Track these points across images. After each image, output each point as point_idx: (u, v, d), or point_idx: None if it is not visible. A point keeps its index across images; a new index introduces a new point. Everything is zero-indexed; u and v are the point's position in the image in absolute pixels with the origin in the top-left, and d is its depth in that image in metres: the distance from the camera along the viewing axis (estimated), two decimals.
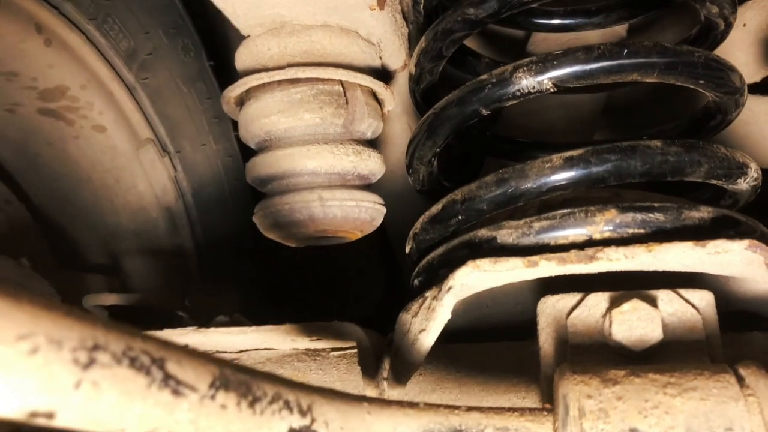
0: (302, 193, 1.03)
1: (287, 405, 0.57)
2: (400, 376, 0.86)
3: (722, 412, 0.62)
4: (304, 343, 0.91)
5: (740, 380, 0.64)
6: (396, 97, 1.20)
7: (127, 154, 1.59)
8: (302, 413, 0.59)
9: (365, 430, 0.64)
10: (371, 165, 1.08)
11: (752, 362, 0.66)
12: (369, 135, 1.10)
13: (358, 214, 1.05)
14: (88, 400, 0.43)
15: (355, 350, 0.90)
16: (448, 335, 0.95)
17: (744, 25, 1.68)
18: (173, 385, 0.47)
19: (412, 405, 0.69)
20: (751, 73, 1.60)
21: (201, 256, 1.70)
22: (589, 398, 0.65)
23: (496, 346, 0.97)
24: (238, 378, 0.53)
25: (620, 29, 1.42)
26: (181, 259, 1.69)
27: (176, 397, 0.48)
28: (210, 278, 1.69)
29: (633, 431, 0.62)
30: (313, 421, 0.59)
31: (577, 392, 0.65)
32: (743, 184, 0.88)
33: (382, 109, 1.14)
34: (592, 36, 1.42)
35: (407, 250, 0.99)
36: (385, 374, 0.89)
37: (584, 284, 0.82)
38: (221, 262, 1.72)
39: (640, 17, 1.29)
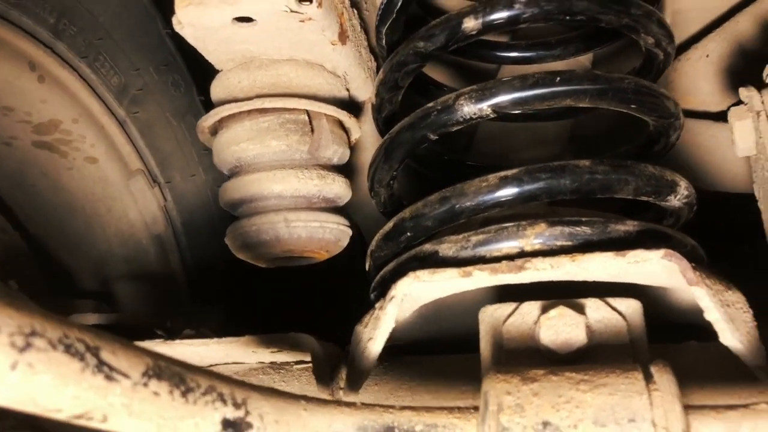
0: (269, 215, 1.09)
1: (221, 397, 0.63)
2: (353, 384, 0.92)
3: (627, 405, 0.67)
4: (265, 354, 0.96)
5: (648, 377, 0.69)
6: (369, 127, 1.27)
7: (118, 185, 1.67)
8: (236, 406, 0.64)
9: (301, 426, 0.70)
10: (336, 189, 1.14)
11: (662, 362, 0.71)
12: (335, 161, 1.17)
13: (323, 234, 1.11)
14: (24, 381, 0.49)
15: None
16: (409, 347, 1.01)
17: (707, 56, 1.75)
18: (106, 371, 0.53)
19: (348, 404, 0.74)
20: (716, 102, 1.67)
21: (190, 281, 1.76)
22: (508, 394, 0.70)
23: (452, 357, 1.02)
24: (171, 369, 0.59)
25: (584, 59, 1.50)
26: (171, 283, 1.76)
27: (109, 382, 0.54)
28: (199, 301, 1.75)
29: (545, 424, 0.67)
30: (247, 413, 0.65)
31: (498, 389, 0.71)
32: (675, 201, 0.94)
33: (348, 137, 1.21)
34: (559, 66, 1.49)
35: (366, 267, 1.05)
36: (341, 383, 0.94)
37: (538, 295, 0.87)
38: (210, 286, 1.78)
39: (595, 49, 1.37)
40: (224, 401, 0.63)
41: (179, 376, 0.59)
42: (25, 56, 1.40)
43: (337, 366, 0.96)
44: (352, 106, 1.25)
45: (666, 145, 1.09)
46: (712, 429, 0.67)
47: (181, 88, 1.74)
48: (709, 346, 0.91)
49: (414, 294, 0.86)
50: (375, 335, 0.87)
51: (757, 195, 1.19)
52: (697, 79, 1.77)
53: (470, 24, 0.96)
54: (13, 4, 1.32)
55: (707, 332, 0.91)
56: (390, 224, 0.97)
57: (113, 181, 1.67)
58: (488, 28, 0.96)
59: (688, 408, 0.68)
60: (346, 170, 1.28)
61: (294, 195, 1.10)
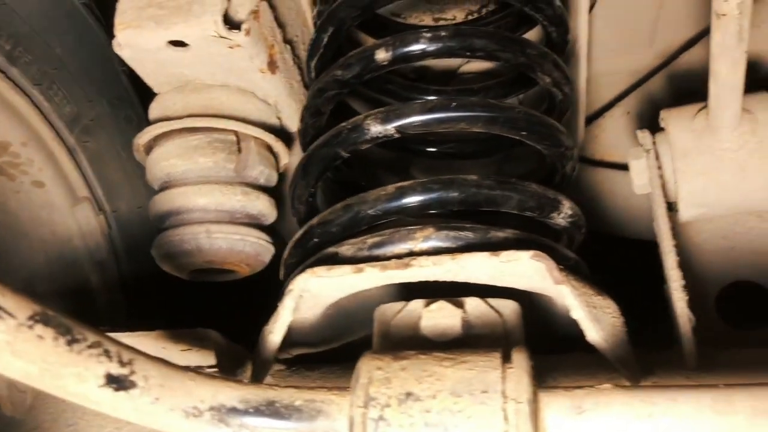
0: (193, 226, 1.17)
1: (107, 353, 0.69)
2: (257, 377, 0.97)
3: (482, 378, 0.73)
4: (174, 353, 1.01)
5: (506, 358, 0.76)
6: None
7: (63, 210, 1.72)
8: (122, 364, 0.70)
9: (185, 393, 0.75)
10: (260, 206, 1.22)
11: (522, 347, 0.79)
12: (261, 181, 1.25)
13: (243, 247, 1.18)
14: None
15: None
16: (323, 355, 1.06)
17: (628, 112, 1.90)
18: None
19: (235, 380, 0.80)
20: None
21: (131, 309, 1.80)
22: (378, 369, 0.76)
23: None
24: (59, 320, 0.65)
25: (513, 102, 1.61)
26: (111, 312, 1.79)
27: None
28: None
29: (408, 394, 0.73)
30: (132, 372, 0.71)
31: (370, 365, 0.77)
32: (559, 219, 1.03)
33: (277, 162, 1.30)
34: None
35: (281, 275, 1.12)
36: (245, 379, 1.00)
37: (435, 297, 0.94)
38: (150, 313, 1.82)
39: (513, 95, 1.48)
40: (110, 357, 0.69)
41: (66, 327, 0.65)
42: None
43: (243, 363, 1.02)
44: (284, 135, 1.34)
45: (564, 177, 1.18)
46: (559, 403, 0.74)
47: (133, 122, 1.82)
48: (593, 356, 0.98)
49: (313, 290, 0.93)
50: (274, 328, 0.93)
51: (656, 231, 1.29)
52: (620, 133, 1.91)
53: (381, 55, 1.07)
54: None
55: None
56: (300, 232, 1.04)
57: (59, 207, 1.72)
58: (398, 59, 1.07)
59: (540, 387, 0.75)
60: (279, 195, 1.36)
61: (218, 209, 1.17)
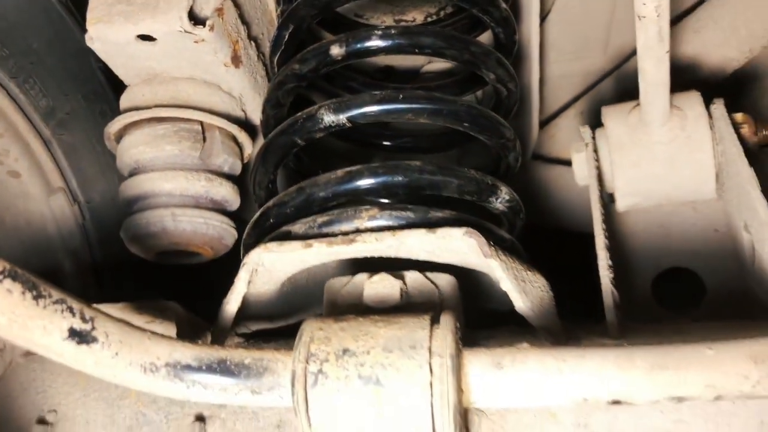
0: (159, 209, 1.24)
1: (70, 310, 0.76)
2: (217, 338, 1.05)
3: (411, 336, 0.82)
4: (138, 322, 1.08)
5: (435, 320, 0.85)
6: None
7: (39, 200, 1.79)
8: (84, 320, 0.77)
9: (143, 350, 0.82)
10: (223, 192, 1.30)
11: (451, 312, 0.87)
12: (226, 169, 1.33)
13: (206, 230, 1.26)
14: None
15: None
16: (273, 319, 1.14)
17: (581, 113, 1.99)
18: None
19: (191, 342, 0.87)
20: None
21: (103, 294, 1.86)
22: (320, 330, 0.84)
23: None
24: (26, 276, 0.72)
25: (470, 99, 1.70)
26: (84, 297, 1.85)
27: None
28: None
29: (345, 350, 0.81)
30: (93, 328, 0.78)
31: (312, 327, 0.85)
32: (497, 204, 1.11)
33: (241, 151, 1.38)
34: None
35: (242, 255, 1.20)
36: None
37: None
38: (121, 298, 1.88)
39: (468, 93, 1.57)
40: (73, 313, 0.76)
41: (33, 283, 0.73)
42: None
43: (203, 335, 1.09)
44: (248, 126, 1.41)
45: (508, 167, 1.27)
46: (480, 359, 0.82)
47: (108, 117, 1.89)
48: (525, 328, 1.07)
49: (267, 264, 1.01)
50: (230, 299, 1.01)
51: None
52: (574, 132, 2.00)
53: (336, 51, 1.15)
54: None
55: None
56: (258, 213, 1.12)
57: (34, 196, 1.78)
58: (350, 55, 1.15)
59: (465, 347, 0.84)
60: (244, 183, 1.43)
61: (183, 194, 1.24)
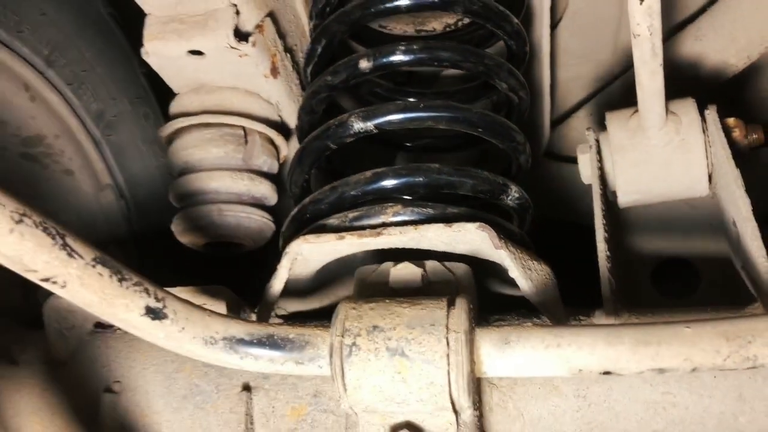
0: (206, 206, 1.39)
1: (146, 291, 0.91)
2: (261, 319, 1.19)
3: (431, 315, 0.96)
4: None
5: (452, 303, 0.99)
6: None
7: (89, 196, 1.95)
8: (157, 300, 0.92)
9: (204, 325, 0.97)
10: (263, 190, 1.45)
11: (465, 296, 1.01)
12: (265, 169, 1.48)
13: (249, 224, 1.41)
14: (16, 243, 0.77)
15: None
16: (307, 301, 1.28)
17: (591, 114, 2.11)
18: (69, 250, 0.82)
19: (243, 319, 1.03)
20: None
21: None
22: (353, 309, 0.99)
23: None
24: (113, 263, 0.87)
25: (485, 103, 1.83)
26: None
27: (70, 258, 0.82)
28: None
29: (375, 326, 0.96)
30: (165, 306, 0.93)
31: (346, 307, 0.99)
32: (508, 201, 1.25)
33: (278, 152, 1.53)
34: None
35: (280, 246, 1.34)
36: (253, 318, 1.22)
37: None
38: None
39: (483, 98, 1.70)
40: (149, 294, 0.91)
41: (117, 269, 0.88)
42: (21, 79, 1.70)
43: (248, 314, 1.24)
44: (284, 130, 1.56)
45: (519, 168, 1.40)
46: (490, 335, 0.96)
47: (151, 119, 2.05)
48: (533, 313, 1.20)
49: (305, 253, 1.15)
50: (274, 283, 1.16)
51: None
52: (584, 133, 2.12)
53: (364, 65, 1.29)
54: (16, 35, 1.63)
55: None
56: (295, 209, 1.27)
57: (85, 193, 1.94)
58: (377, 68, 1.29)
59: (477, 325, 0.98)
60: (280, 181, 1.58)
61: (227, 191, 1.40)
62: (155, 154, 2.07)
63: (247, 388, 1.18)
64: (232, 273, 1.86)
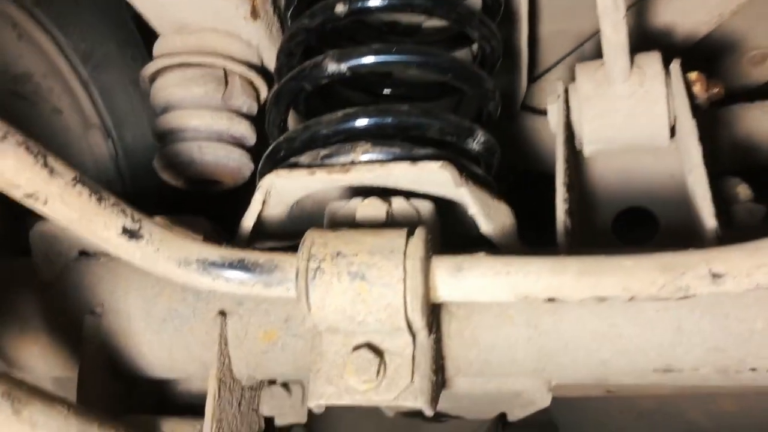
0: (187, 143, 1.45)
1: (124, 212, 0.98)
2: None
3: (391, 243, 1.02)
4: None
5: (411, 233, 1.05)
6: None
7: (77, 135, 2.00)
8: (134, 220, 0.99)
9: (179, 247, 1.04)
10: (242, 129, 1.51)
11: (424, 226, 1.07)
12: (244, 110, 1.54)
13: (227, 162, 1.47)
14: None
15: None
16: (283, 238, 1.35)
17: (570, 69, 2.15)
18: (50, 169, 0.88)
19: (217, 244, 1.09)
20: None
21: None
22: (319, 237, 1.06)
23: None
24: (92, 183, 0.94)
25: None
26: None
27: (51, 176, 0.88)
28: None
29: (338, 253, 1.02)
30: (141, 228, 1.00)
31: (314, 235, 1.06)
32: (474, 145, 1.31)
33: (258, 94, 1.58)
34: None
35: (257, 182, 1.41)
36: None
37: None
38: None
39: (462, 48, 1.75)
40: (126, 215, 0.98)
41: (96, 188, 0.94)
42: (8, 17, 1.74)
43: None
44: (264, 73, 1.61)
45: (489, 115, 1.46)
46: (445, 263, 1.03)
47: (138, 62, 2.09)
48: (493, 250, 1.27)
49: (278, 188, 1.21)
50: (247, 216, 1.23)
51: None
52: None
53: (340, 9, 1.33)
54: None
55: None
56: (271, 147, 1.33)
57: (74, 131, 1.99)
58: (353, 12, 1.33)
59: (433, 254, 1.05)
60: (259, 123, 1.64)
61: (207, 130, 1.45)
62: (142, 96, 2.11)
63: (222, 313, 1.25)
64: (217, 217, 1.93)
